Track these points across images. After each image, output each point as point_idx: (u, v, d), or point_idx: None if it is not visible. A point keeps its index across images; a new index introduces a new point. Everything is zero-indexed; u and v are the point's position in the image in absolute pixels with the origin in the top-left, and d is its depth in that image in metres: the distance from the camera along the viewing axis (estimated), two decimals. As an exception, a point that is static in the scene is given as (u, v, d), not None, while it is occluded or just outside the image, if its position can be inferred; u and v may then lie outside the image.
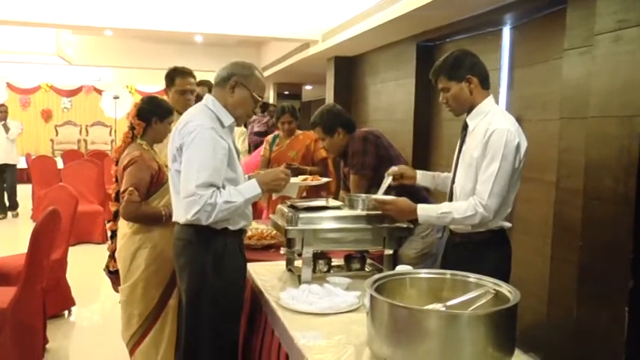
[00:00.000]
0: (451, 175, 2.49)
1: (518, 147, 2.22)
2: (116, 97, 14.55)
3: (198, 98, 3.58)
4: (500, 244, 2.37)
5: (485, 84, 2.38)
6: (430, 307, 1.66)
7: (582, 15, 2.78)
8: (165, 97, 3.37)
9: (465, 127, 2.40)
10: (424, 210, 2.36)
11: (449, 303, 1.66)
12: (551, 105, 3.26)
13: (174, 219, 2.41)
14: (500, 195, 2.23)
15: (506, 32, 3.89)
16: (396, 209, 2.44)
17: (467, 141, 2.38)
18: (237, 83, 2.40)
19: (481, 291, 1.72)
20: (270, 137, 4.81)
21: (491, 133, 2.22)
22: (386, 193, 2.57)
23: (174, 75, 3.49)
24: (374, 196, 2.54)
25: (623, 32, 2.39)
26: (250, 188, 2.34)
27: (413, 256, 3.10)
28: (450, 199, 2.45)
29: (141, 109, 2.94)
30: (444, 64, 2.39)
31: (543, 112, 3.43)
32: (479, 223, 2.25)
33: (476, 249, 2.33)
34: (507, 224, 2.35)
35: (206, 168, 2.23)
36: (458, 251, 2.41)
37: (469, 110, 2.38)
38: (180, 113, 3.60)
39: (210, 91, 2.52)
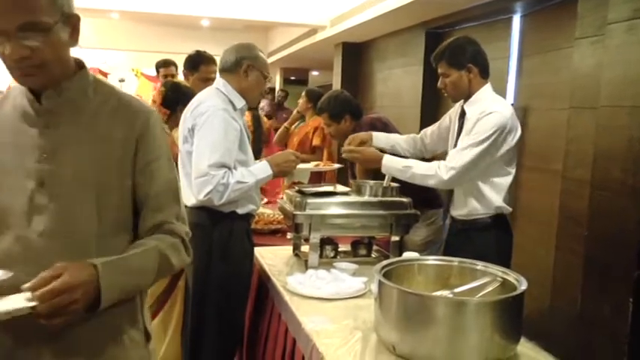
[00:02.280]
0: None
1: (509, 132, 2.30)
2: (122, 80, 14.45)
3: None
4: (501, 228, 2.44)
5: (485, 74, 2.45)
6: (438, 293, 1.67)
7: (595, 3, 2.75)
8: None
9: (463, 114, 2.45)
10: (389, 161, 2.47)
11: (456, 290, 1.68)
12: (560, 94, 3.24)
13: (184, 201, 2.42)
14: (469, 172, 2.31)
15: (517, 20, 3.86)
16: (362, 157, 2.58)
17: (464, 128, 2.42)
18: (250, 66, 2.42)
19: (488, 278, 1.73)
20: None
21: (486, 115, 2.30)
22: (387, 187, 2.57)
23: (200, 61, 3.47)
24: (345, 147, 2.65)
25: (637, 22, 2.37)
26: (262, 169, 2.37)
27: (418, 242, 3.11)
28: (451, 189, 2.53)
29: (166, 97, 2.94)
30: (446, 49, 2.44)
31: (552, 102, 3.41)
32: (433, 185, 2.37)
33: (477, 234, 2.40)
34: (508, 208, 2.42)
35: (218, 148, 2.25)
36: (460, 238, 2.48)
37: (467, 97, 2.44)
38: None
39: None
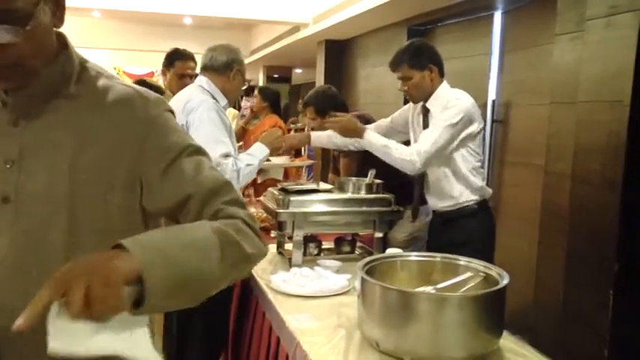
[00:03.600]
0: None
1: (471, 121, 2.47)
2: (103, 79, 14.39)
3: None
4: (486, 212, 2.63)
5: (442, 73, 2.60)
6: (420, 289, 1.68)
7: (574, 0, 2.78)
8: (153, 79, 3.35)
9: (426, 112, 2.60)
10: (370, 136, 2.54)
11: (439, 285, 1.68)
12: (542, 90, 3.27)
13: None
14: (438, 154, 2.45)
15: (498, 17, 3.89)
16: (340, 126, 2.60)
17: (430, 125, 2.55)
18: (237, 70, 2.55)
19: (471, 274, 1.73)
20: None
21: (452, 104, 2.45)
22: (370, 183, 2.58)
23: (175, 57, 3.46)
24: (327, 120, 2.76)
25: (614, 18, 2.39)
26: (259, 150, 2.54)
27: (403, 239, 3.12)
28: (422, 180, 2.70)
29: None
30: (405, 53, 2.55)
31: (533, 97, 3.44)
32: (408, 171, 2.49)
33: (465, 221, 2.56)
34: (489, 190, 2.66)
35: (221, 140, 2.35)
36: (444, 229, 2.63)
37: (427, 97, 2.57)
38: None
39: None
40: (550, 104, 2.95)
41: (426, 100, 2.59)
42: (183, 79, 3.39)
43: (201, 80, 2.51)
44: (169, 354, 2.58)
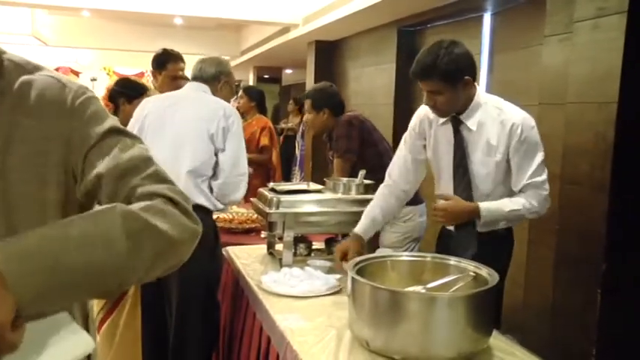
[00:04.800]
0: (449, 184, 2.20)
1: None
2: (94, 79, 14.26)
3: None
4: (510, 238, 2.29)
5: (475, 78, 2.14)
6: (410, 289, 1.68)
7: (563, 2, 2.80)
8: (143, 80, 3.35)
9: (457, 125, 2.14)
10: (486, 210, 2.07)
11: (429, 285, 1.69)
12: (531, 91, 3.30)
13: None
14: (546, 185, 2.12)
15: (487, 18, 3.92)
16: (447, 215, 2.11)
17: (469, 144, 2.13)
18: (225, 82, 2.68)
19: (461, 273, 1.75)
20: None
21: (519, 124, 2.08)
22: (361, 184, 2.58)
23: (167, 59, 3.43)
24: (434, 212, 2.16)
25: (601, 20, 2.42)
26: None
27: (394, 239, 3.12)
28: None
29: (111, 90, 2.95)
30: (437, 64, 2.02)
31: (523, 98, 3.45)
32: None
33: (494, 245, 2.14)
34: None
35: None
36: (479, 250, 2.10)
37: (462, 107, 2.13)
38: None
39: None
40: (539, 105, 2.97)
41: (458, 112, 2.13)
42: (176, 81, 3.38)
43: (204, 87, 2.64)
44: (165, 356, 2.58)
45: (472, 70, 2.10)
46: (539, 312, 2.89)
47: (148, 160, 0.96)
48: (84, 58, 14.82)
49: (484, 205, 2.07)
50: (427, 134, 2.29)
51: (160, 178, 0.95)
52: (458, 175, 2.16)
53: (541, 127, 2.93)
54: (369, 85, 5.65)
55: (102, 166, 0.93)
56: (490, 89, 3.84)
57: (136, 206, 0.86)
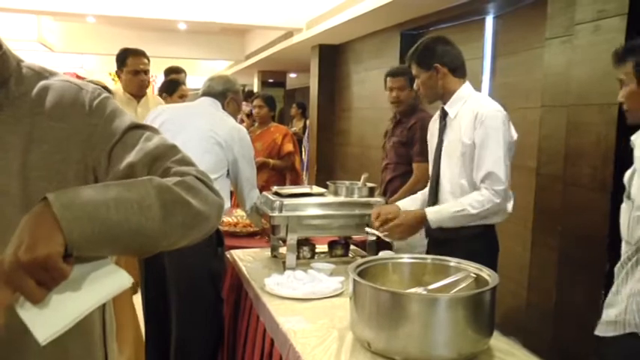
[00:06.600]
0: (430, 168, 2.41)
1: (509, 128, 2.25)
2: (99, 85, 14.38)
3: (173, 83, 3.52)
4: (489, 240, 2.33)
5: (459, 72, 2.34)
6: (411, 290, 1.70)
7: (563, 4, 2.81)
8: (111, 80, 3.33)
9: (444, 115, 2.35)
10: (434, 214, 2.22)
11: (430, 287, 1.70)
12: (533, 93, 3.30)
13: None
14: (507, 179, 2.18)
15: (489, 21, 3.92)
16: (405, 228, 2.27)
17: (448, 130, 2.32)
18: (232, 99, 2.79)
19: (461, 275, 1.76)
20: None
21: (486, 117, 2.18)
22: (363, 187, 2.59)
23: (126, 55, 3.42)
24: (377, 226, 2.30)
25: (602, 22, 2.43)
26: None
27: (397, 245, 3.12)
28: (435, 196, 2.35)
29: None
30: (415, 50, 2.38)
31: (525, 100, 3.47)
32: (499, 219, 2.26)
33: (463, 246, 2.12)
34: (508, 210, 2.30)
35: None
36: (444, 249, 2.11)
37: (445, 97, 2.34)
38: (134, 95, 3.57)
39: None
40: (541, 107, 2.98)
41: (444, 102, 2.35)
42: (138, 76, 3.35)
43: (214, 102, 2.76)
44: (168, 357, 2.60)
45: (447, 59, 2.32)
46: (543, 313, 2.89)
47: (173, 147, 1.03)
48: (89, 64, 14.88)
49: (429, 210, 2.26)
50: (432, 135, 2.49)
51: (187, 161, 1.01)
52: (437, 159, 2.37)
53: (543, 129, 2.96)
54: (373, 88, 5.66)
55: (132, 157, 0.98)
56: (493, 92, 3.85)
57: (169, 180, 0.92)
